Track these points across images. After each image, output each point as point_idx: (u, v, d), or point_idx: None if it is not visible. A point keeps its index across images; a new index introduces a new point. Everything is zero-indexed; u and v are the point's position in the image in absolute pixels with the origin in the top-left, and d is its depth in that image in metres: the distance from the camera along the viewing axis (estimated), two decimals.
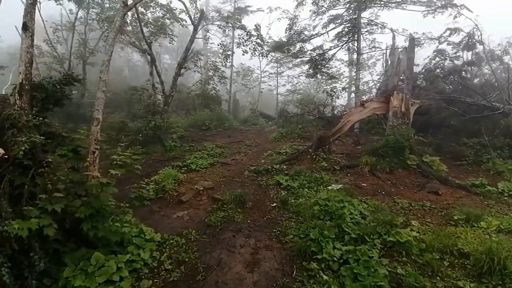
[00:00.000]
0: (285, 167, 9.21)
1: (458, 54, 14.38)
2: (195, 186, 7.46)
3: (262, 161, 10.31)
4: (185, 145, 12.50)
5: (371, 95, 22.43)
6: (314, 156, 9.82)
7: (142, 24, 14.29)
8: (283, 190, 7.33)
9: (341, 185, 7.50)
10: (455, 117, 10.61)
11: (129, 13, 16.34)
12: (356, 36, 12.54)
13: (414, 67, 18.22)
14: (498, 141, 9.35)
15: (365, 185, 7.73)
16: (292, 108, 23.41)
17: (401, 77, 16.56)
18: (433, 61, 14.59)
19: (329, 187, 7.40)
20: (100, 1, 16.01)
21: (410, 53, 9.78)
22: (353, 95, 27.08)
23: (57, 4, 17.17)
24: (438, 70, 14.10)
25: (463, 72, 12.22)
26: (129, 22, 16.24)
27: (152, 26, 14.92)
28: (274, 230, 5.15)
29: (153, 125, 11.47)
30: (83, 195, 4.09)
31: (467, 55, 14.52)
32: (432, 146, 9.91)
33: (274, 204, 6.43)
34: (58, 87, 4.92)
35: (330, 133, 10.05)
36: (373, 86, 24.41)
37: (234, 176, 8.66)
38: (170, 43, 16.90)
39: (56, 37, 18.51)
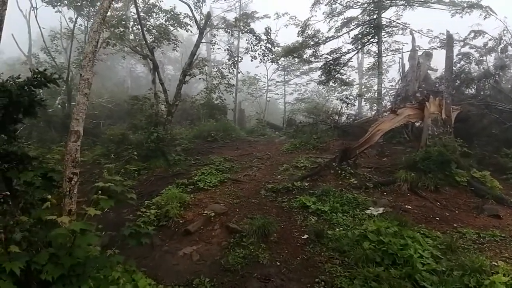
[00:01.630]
0: (307, 184, 7.94)
1: (482, 58, 13.24)
2: (205, 211, 6.17)
3: (279, 176, 9.03)
4: (190, 158, 11.31)
5: (385, 102, 21.25)
6: (339, 171, 8.55)
7: (144, 29, 13.36)
8: (311, 215, 6.03)
9: (382, 208, 6.17)
10: (496, 125, 9.30)
11: (131, 18, 15.60)
12: (376, 38, 11.43)
13: (432, 72, 17.22)
14: None
15: (409, 207, 6.40)
16: (299, 117, 22.27)
17: (421, 82, 15.50)
18: (458, 65, 13.43)
19: (367, 211, 6.10)
20: None
21: (449, 52, 8.59)
22: (364, 102, 26.05)
23: (56, 12, 16.47)
24: (463, 75, 12.96)
25: (497, 76, 11.00)
26: (130, 28, 15.38)
27: (155, 31, 13.98)
28: (317, 280, 3.82)
29: (155, 137, 10.31)
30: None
31: (490, 58, 13.44)
32: (475, 158, 8.57)
33: (306, 236, 5.11)
34: (26, 89, 3.72)
35: (357, 144, 8.78)
36: (386, 93, 23.29)
37: (249, 196, 7.39)
38: (174, 49, 15.93)
39: (54, 45, 17.76)
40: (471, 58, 13.53)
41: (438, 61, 16.28)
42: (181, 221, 6.00)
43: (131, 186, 3.68)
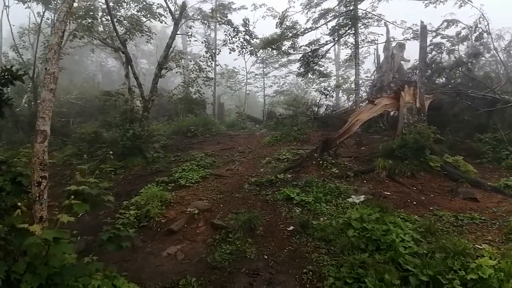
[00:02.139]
0: (290, 176, 7.97)
1: (454, 47, 13.86)
2: (188, 209, 6.01)
3: (262, 170, 9.00)
4: (169, 155, 10.97)
5: (362, 92, 21.84)
6: (320, 162, 8.66)
7: (115, 20, 12.60)
8: (296, 206, 6.06)
9: (363, 196, 6.32)
10: (468, 112, 9.84)
11: (100, 9, 14.66)
12: (353, 29, 11.59)
13: (404, 63, 17.86)
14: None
15: (388, 193, 6.63)
16: (279, 109, 22.33)
17: (395, 73, 16.03)
18: (429, 55, 13.97)
19: (349, 199, 6.23)
20: None
21: (423, 43, 8.89)
22: (341, 93, 26.60)
23: (26, 8, 15.21)
24: (433, 65, 13.53)
25: (469, 64, 11.55)
26: (99, 19, 14.46)
27: (127, 22, 13.25)
28: (304, 270, 3.84)
29: (131, 134, 9.86)
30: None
31: (463, 47, 14.11)
32: (447, 144, 9.03)
33: (291, 228, 5.13)
34: None
35: (337, 134, 8.93)
36: (362, 84, 23.92)
37: (233, 191, 7.30)
38: (148, 42, 15.24)
39: (22, 42, 16.47)
40: (442, 48, 14.11)
41: (410, 52, 16.94)
42: (163, 221, 5.80)
43: (107, 187, 3.44)
